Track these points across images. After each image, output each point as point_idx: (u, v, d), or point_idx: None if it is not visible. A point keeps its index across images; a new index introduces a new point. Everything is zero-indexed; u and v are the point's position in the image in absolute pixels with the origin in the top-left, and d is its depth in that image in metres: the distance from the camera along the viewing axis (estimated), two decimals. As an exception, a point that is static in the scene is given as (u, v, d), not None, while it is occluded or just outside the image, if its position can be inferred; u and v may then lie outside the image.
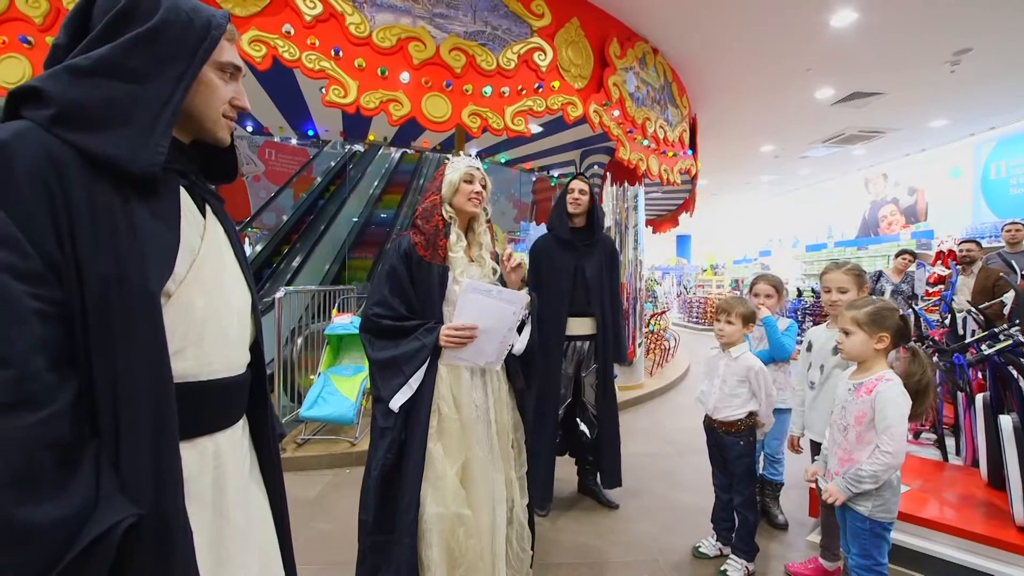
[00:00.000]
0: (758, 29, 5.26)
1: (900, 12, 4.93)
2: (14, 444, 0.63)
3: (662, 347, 7.23)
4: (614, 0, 4.73)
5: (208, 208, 0.95)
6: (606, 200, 5.70)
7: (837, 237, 13.09)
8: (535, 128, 4.95)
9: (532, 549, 1.96)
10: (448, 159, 1.93)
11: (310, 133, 5.83)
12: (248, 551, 0.95)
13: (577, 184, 2.89)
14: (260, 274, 7.13)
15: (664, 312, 8.50)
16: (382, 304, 1.77)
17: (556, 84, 4.21)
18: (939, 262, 6.96)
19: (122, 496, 0.72)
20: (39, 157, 0.71)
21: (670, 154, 5.85)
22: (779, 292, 2.76)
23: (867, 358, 1.79)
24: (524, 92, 4.08)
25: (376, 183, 8.77)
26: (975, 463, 2.82)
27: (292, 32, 3.37)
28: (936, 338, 4.00)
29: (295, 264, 7.38)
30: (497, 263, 1.92)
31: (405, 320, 1.76)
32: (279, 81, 4.15)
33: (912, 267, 6.32)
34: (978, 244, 5.07)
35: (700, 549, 2.52)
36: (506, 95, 4.01)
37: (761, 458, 2.84)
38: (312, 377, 4.14)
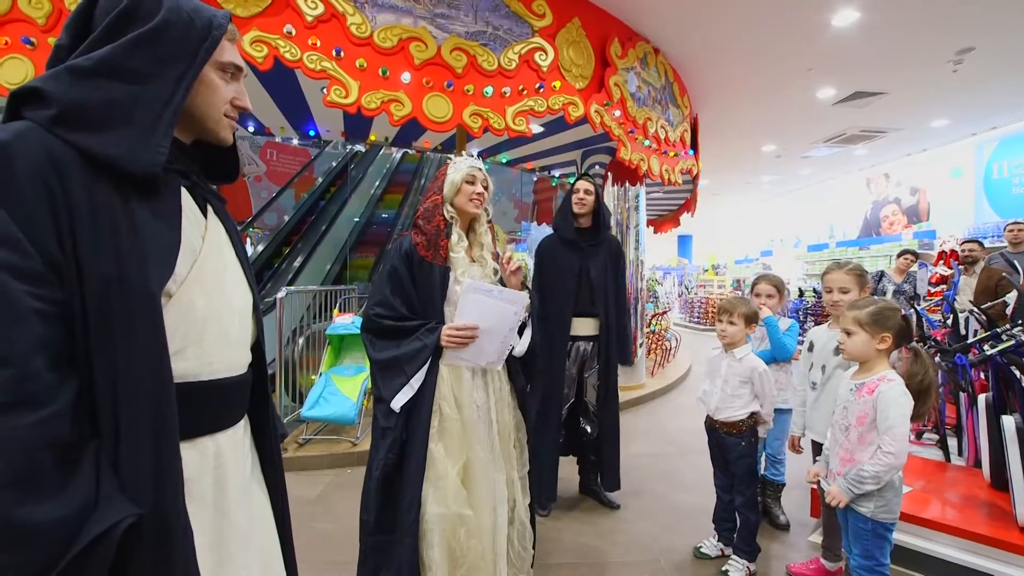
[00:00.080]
0: (759, 29, 5.24)
1: (902, 11, 4.91)
2: (14, 444, 0.63)
3: (663, 347, 7.24)
4: (615, 0, 4.73)
5: (209, 208, 0.95)
6: (607, 200, 5.69)
7: (839, 237, 13.06)
8: (536, 128, 4.95)
9: (533, 548, 1.96)
10: (450, 159, 1.93)
11: (311, 133, 5.83)
12: (249, 551, 0.95)
13: (583, 184, 2.88)
14: (261, 275, 7.15)
15: (665, 312, 8.50)
16: (383, 304, 1.77)
17: (557, 84, 4.21)
18: (941, 262, 6.96)
19: (122, 496, 0.72)
20: (40, 157, 0.71)
21: (671, 154, 5.84)
22: (780, 292, 2.75)
23: (869, 358, 1.79)
24: (525, 92, 4.08)
25: (377, 183, 8.79)
26: (977, 464, 2.81)
27: (293, 32, 3.37)
28: (938, 338, 4.00)
29: (296, 264, 7.40)
30: (498, 263, 1.92)
31: (406, 320, 1.76)
32: (280, 81, 4.15)
33: (914, 267, 6.30)
34: (980, 244, 5.05)
35: (701, 549, 2.52)
36: (507, 95, 4.01)
37: (763, 459, 2.84)
38: (313, 377, 4.14)
